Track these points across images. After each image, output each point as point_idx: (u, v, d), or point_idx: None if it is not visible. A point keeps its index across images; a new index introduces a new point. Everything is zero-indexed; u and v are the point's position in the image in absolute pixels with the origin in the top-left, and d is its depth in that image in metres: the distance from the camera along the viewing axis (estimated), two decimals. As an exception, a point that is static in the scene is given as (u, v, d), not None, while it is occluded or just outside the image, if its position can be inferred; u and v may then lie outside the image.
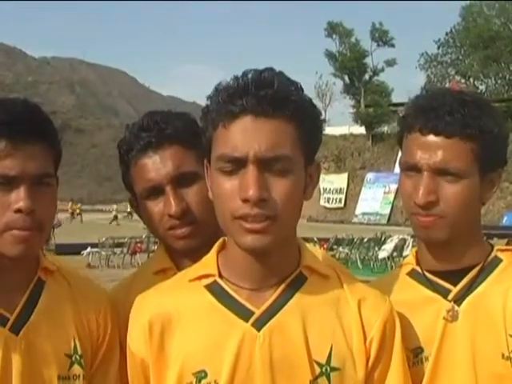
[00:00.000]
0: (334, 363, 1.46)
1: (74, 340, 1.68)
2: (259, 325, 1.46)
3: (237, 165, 1.39)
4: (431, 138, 1.62)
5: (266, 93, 1.37)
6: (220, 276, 1.53)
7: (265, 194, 1.37)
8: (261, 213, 1.37)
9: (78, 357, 1.67)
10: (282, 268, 1.50)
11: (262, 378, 1.43)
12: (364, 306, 1.52)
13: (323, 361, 1.46)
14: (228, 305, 1.49)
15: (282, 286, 1.50)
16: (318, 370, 1.45)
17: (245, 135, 1.38)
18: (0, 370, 1.56)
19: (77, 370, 1.66)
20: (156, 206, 1.83)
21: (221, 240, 1.60)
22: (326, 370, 1.45)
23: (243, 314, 1.47)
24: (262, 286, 1.49)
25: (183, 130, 1.85)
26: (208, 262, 1.57)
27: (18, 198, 1.55)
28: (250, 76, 1.41)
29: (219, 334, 1.47)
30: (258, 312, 1.47)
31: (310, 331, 1.47)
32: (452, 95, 1.66)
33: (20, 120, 1.56)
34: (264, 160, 1.37)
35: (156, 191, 1.82)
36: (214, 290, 1.52)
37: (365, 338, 1.50)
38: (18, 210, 1.55)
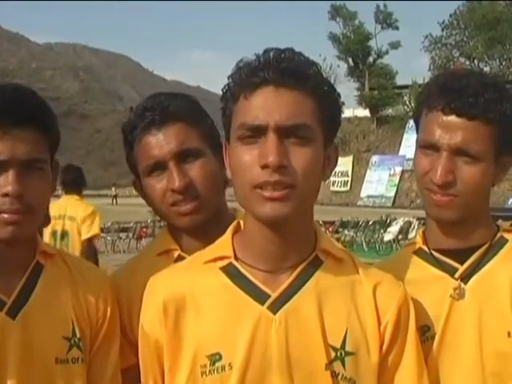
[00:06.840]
0: (348, 347, 1.45)
1: (73, 323, 1.67)
2: (275, 308, 1.45)
3: (257, 132, 1.38)
4: (453, 118, 1.62)
5: (287, 65, 1.39)
6: (236, 258, 1.52)
7: (284, 161, 1.36)
8: (280, 180, 1.36)
9: (76, 340, 1.66)
10: (298, 249, 1.49)
11: (278, 362, 1.41)
12: (379, 291, 1.51)
13: (338, 345, 1.45)
14: (243, 287, 1.48)
15: (298, 269, 1.48)
16: (332, 354, 1.44)
17: (266, 105, 1.38)
18: None
19: (75, 352, 1.66)
20: (159, 183, 1.83)
21: (235, 222, 1.59)
22: (341, 354, 1.44)
23: (259, 296, 1.46)
24: (277, 268, 1.47)
25: (186, 109, 1.86)
26: (223, 244, 1.55)
27: (6, 182, 1.56)
28: (271, 53, 1.42)
29: (234, 317, 1.45)
30: (273, 295, 1.46)
31: (326, 315, 1.46)
32: (475, 77, 1.66)
33: (9, 105, 1.56)
34: (284, 128, 1.37)
35: (159, 167, 1.82)
36: (230, 271, 1.50)
37: (379, 323, 1.49)
38: (6, 194, 1.56)
